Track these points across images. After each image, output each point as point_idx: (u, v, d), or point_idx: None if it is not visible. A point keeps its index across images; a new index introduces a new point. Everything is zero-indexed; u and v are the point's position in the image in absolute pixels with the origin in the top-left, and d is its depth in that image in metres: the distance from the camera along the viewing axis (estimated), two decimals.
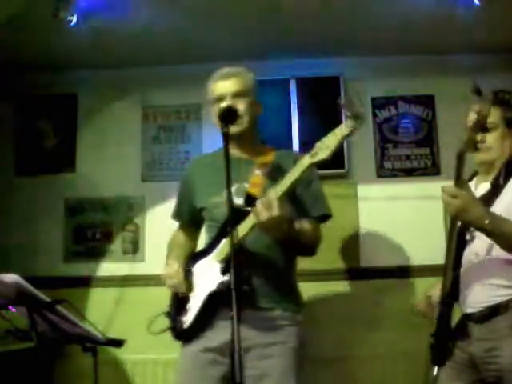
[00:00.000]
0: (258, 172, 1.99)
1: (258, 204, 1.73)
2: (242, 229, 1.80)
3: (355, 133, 1.65)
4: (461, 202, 1.69)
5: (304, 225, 1.99)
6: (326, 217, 2.08)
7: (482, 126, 1.77)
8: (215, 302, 1.89)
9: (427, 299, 2.06)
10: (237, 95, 1.99)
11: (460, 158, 1.75)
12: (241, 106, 1.97)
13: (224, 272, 1.85)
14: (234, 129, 1.89)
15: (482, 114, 1.74)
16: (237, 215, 1.83)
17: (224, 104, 1.95)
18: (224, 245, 1.90)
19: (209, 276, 1.91)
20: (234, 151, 2.02)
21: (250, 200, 1.84)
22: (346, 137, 1.66)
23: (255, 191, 1.92)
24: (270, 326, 1.90)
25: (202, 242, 2.20)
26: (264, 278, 1.91)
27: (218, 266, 1.89)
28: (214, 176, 2.05)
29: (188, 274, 2.01)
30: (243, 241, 1.81)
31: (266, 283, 1.92)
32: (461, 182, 1.74)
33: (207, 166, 2.15)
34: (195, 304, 1.94)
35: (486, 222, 1.69)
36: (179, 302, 2.00)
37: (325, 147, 1.68)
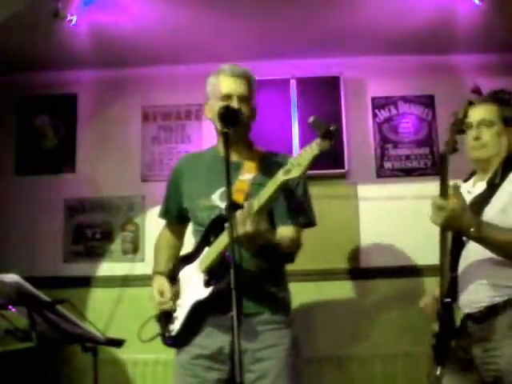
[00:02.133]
0: (243, 177, 1.97)
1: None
2: (220, 242, 1.80)
3: (326, 151, 1.63)
4: (447, 214, 1.70)
5: (283, 234, 1.95)
6: (309, 224, 2.04)
7: (459, 128, 1.77)
8: (201, 310, 1.89)
9: (433, 302, 2.03)
10: (243, 98, 1.97)
11: (442, 160, 1.75)
12: (245, 109, 1.95)
13: (207, 284, 1.85)
14: (235, 132, 1.89)
15: (459, 116, 1.74)
16: (219, 222, 1.84)
17: (234, 105, 1.92)
18: (207, 253, 1.89)
19: (193, 285, 1.91)
20: (223, 152, 1.96)
21: (232, 207, 1.79)
22: (317, 156, 1.63)
23: (238, 197, 1.89)
24: (260, 330, 1.90)
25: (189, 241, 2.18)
26: (248, 284, 1.87)
27: (200, 276, 1.88)
28: (202, 177, 2.04)
29: (174, 281, 2.01)
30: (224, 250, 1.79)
31: (250, 290, 1.89)
32: (447, 185, 1.74)
33: (197, 165, 2.13)
34: (181, 313, 1.93)
35: (472, 230, 1.71)
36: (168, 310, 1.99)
37: (297, 164, 1.66)
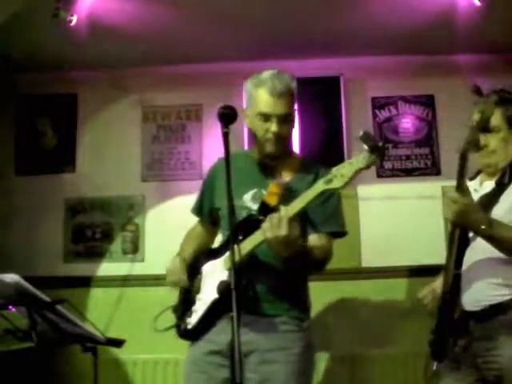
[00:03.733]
0: (277, 181, 1.97)
1: (267, 221, 1.72)
2: (251, 241, 1.79)
3: (372, 166, 1.63)
4: (460, 208, 1.71)
5: (315, 242, 1.96)
6: (340, 234, 2.05)
7: (484, 127, 1.77)
8: (221, 307, 1.88)
9: (432, 292, 2.04)
10: (284, 118, 1.95)
11: (463, 158, 1.75)
12: (285, 130, 1.96)
13: None
14: (276, 150, 1.94)
15: (486, 115, 1.74)
16: (249, 222, 1.84)
17: (274, 129, 1.92)
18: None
19: (216, 281, 1.89)
20: (261, 156, 2.02)
21: (265, 208, 1.83)
22: (362, 169, 1.63)
23: (271, 200, 1.89)
24: (273, 331, 1.88)
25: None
26: (270, 285, 1.89)
27: (225, 273, 1.87)
28: (236, 178, 2.02)
29: (197, 273, 2.01)
30: (251, 253, 1.79)
31: (272, 291, 1.90)
32: (462, 184, 1.74)
33: (232, 166, 2.13)
34: (201, 307, 1.93)
35: (482, 227, 1.72)
36: (187, 301, 2.00)
37: (340, 175, 1.66)
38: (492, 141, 1.93)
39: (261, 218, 1.80)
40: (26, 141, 3.49)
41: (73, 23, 2.75)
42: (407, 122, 3.38)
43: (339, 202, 2.07)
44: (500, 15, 2.83)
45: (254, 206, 1.93)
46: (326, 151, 3.18)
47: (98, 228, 3.38)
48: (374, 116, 3.39)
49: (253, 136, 2.06)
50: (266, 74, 1.97)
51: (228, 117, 1.83)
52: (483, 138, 1.93)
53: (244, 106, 2.07)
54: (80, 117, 3.50)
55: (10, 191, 3.43)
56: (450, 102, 3.24)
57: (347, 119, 3.28)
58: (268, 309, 1.89)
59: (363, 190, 3.31)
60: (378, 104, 3.40)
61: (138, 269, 3.28)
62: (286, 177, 1.99)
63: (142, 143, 3.45)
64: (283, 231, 1.69)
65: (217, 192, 2.11)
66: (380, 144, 1.61)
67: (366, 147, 1.61)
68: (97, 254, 3.35)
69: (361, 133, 1.62)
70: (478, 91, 1.80)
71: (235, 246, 1.87)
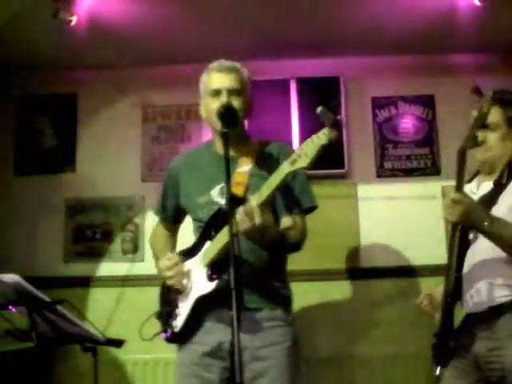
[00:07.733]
0: (241, 170, 1.96)
1: (239, 213, 1.69)
2: (225, 233, 1.73)
3: (332, 142, 1.63)
4: (463, 208, 1.71)
5: (289, 223, 1.94)
6: (312, 208, 2.03)
7: (482, 123, 1.76)
8: (204, 305, 1.88)
9: (429, 297, 2.05)
10: (233, 92, 1.96)
11: (461, 155, 1.75)
12: (235, 103, 1.94)
13: (211, 278, 1.84)
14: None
15: (483, 111, 1.74)
16: (222, 216, 1.81)
17: (223, 99, 1.93)
18: (209, 247, 1.88)
19: (195, 279, 1.90)
20: (219, 148, 1.98)
21: (233, 200, 1.78)
22: (324, 146, 1.62)
23: (238, 190, 1.88)
24: (260, 327, 1.88)
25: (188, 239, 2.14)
26: (249, 279, 1.86)
27: (203, 271, 1.87)
28: (200, 174, 2.04)
29: None
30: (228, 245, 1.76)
31: (251, 284, 1.88)
32: (462, 183, 1.74)
33: (194, 163, 2.12)
34: (184, 308, 1.92)
35: (485, 223, 1.72)
36: (169, 305, 1.99)
37: (303, 155, 1.64)
38: (490, 137, 1.93)
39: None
40: (25, 141, 3.49)
41: (73, 23, 2.75)
42: (407, 122, 3.38)
43: (305, 177, 2.03)
44: (500, 15, 2.83)
45: (223, 201, 1.89)
46: (326, 151, 3.18)
47: (98, 228, 3.38)
48: (374, 116, 3.39)
49: (211, 129, 2.05)
50: (215, 62, 2.02)
51: (228, 117, 1.84)
52: (482, 135, 1.94)
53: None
54: (80, 117, 3.50)
55: (10, 191, 3.43)
56: (450, 101, 3.24)
57: (347, 119, 3.28)
58: (248, 302, 1.85)
59: (363, 190, 3.31)
60: (378, 104, 3.40)
61: (137, 269, 3.28)
62: (248, 164, 1.97)
63: (142, 143, 3.45)
64: (257, 220, 1.67)
65: (182, 191, 2.08)
66: (339, 118, 1.61)
67: (325, 123, 1.60)
68: (97, 254, 3.35)
69: (319, 109, 1.62)
70: (477, 91, 1.79)
71: (209, 242, 1.86)
